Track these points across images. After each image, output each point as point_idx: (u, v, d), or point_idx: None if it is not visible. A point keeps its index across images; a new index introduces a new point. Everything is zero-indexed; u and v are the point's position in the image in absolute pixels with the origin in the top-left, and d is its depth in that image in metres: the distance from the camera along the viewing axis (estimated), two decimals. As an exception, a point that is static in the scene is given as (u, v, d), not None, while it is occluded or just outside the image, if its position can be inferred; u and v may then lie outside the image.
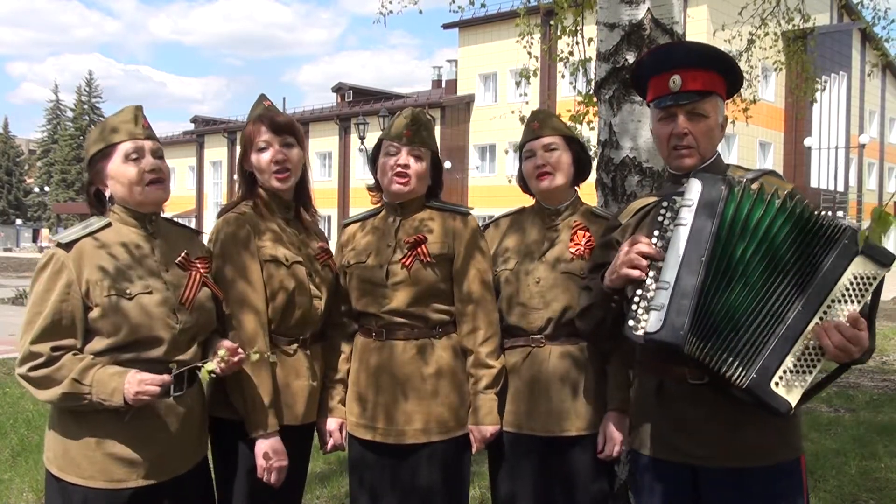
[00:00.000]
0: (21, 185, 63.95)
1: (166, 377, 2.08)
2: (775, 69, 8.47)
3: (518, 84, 7.81)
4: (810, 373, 1.84)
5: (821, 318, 1.83)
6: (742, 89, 2.24)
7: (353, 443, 2.61)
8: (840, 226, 1.86)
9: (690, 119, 2.08)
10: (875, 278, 1.83)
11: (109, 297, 2.06)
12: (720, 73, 2.11)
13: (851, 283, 1.83)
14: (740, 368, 1.85)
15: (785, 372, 1.83)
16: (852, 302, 1.83)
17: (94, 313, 2.06)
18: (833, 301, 1.83)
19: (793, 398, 1.83)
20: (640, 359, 2.20)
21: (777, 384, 1.83)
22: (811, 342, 1.83)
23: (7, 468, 4.98)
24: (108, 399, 2.02)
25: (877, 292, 1.89)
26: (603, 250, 2.24)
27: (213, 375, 2.17)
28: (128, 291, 2.08)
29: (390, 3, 7.53)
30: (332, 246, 2.71)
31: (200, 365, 2.13)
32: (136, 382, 2.02)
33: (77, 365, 2.02)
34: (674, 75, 2.08)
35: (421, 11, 7.53)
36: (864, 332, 1.81)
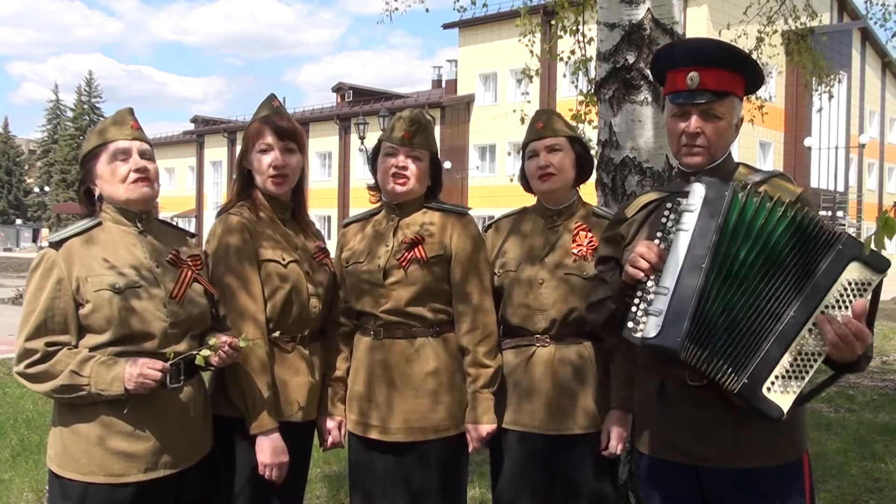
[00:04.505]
0: (21, 185, 63.90)
1: (166, 364, 2.11)
2: (778, 71, 8.42)
3: (519, 82, 7.80)
4: (804, 378, 1.82)
5: (813, 325, 1.81)
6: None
7: (352, 441, 2.62)
8: (836, 231, 1.84)
9: (704, 119, 2.04)
10: (870, 284, 1.81)
11: (99, 292, 2.09)
12: (739, 73, 2.06)
13: (846, 289, 1.81)
14: (733, 374, 1.83)
15: (777, 377, 1.82)
16: (846, 308, 1.80)
17: (85, 310, 2.10)
18: (826, 307, 1.81)
19: (785, 403, 1.82)
20: (641, 360, 2.20)
21: (769, 389, 1.82)
22: (805, 346, 1.81)
23: (7, 468, 4.97)
24: (108, 389, 2.05)
25: (875, 299, 1.86)
26: (608, 244, 2.22)
27: (212, 367, 2.19)
28: (117, 287, 2.11)
29: (396, 0, 7.54)
30: (332, 246, 2.72)
31: (196, 353, 2.16)
32: (139, 365, 2.06)
33: (74, 358, 2.06)
34: (692, 72, 2.02)
35: (427, 10, 7.55)
36: (867, 329, 1.79)
